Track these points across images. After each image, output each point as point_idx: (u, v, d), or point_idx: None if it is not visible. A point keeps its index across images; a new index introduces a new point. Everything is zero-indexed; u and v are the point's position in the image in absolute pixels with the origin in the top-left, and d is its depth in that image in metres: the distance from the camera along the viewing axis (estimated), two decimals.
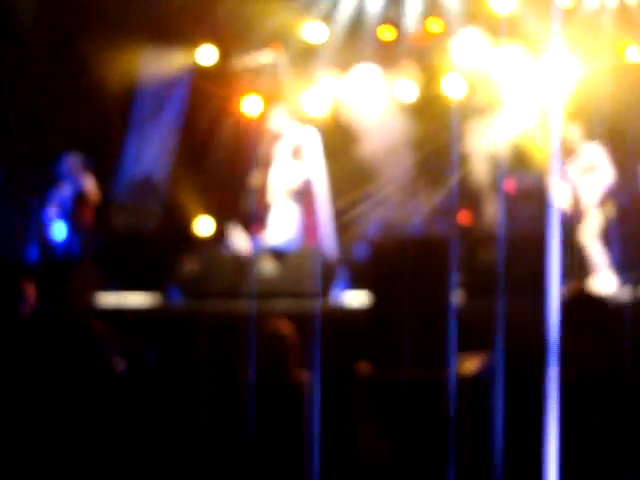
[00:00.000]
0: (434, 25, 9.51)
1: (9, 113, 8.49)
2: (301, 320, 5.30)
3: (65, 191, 7.76)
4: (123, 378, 4.46)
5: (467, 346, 4.09)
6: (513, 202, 8.51)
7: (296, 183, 6.90)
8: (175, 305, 6.34)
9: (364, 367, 3.99)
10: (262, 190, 7.13)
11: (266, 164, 7.12)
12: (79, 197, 7.68)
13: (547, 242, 5.42)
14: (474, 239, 6.03)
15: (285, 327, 3.85)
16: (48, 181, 8.27)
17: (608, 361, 3.36)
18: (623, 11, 8.89)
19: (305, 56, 10.34)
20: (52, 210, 7.72)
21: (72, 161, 7.86)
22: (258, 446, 3.67)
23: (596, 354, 3.39)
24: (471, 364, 3.91)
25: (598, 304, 3.59)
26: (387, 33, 9.80)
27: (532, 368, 3.63)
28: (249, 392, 3.79)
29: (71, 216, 7.63)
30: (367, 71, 9.85)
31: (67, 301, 6.60)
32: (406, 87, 9.75)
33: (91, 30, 8.99)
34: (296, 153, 6.92)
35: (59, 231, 7.67)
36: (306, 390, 3.81)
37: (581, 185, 7.35)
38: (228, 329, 5.43)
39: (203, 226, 10.05)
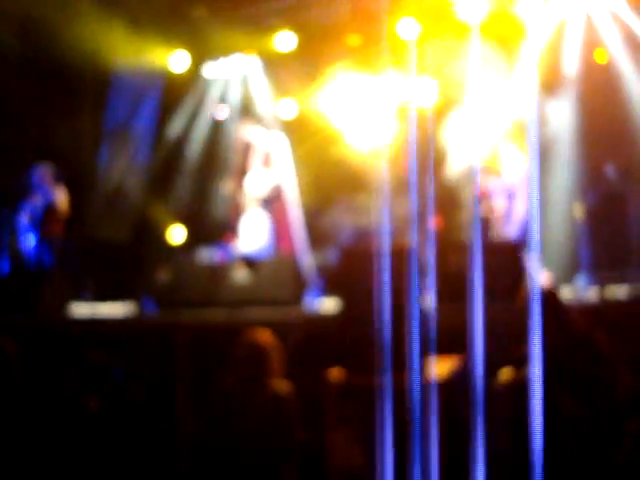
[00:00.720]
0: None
1: None
2: (275, 328, 5.35)
3: (35, 201, 7.70)
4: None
5: (439, 350, 4.15)
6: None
7: (266, 191, 6.93)
8: (149, 315, 6.33)
9: (335, 373, 4.03)
10: (233, 198, 7.15)
11: (237, 172, 7.15)
12: (49, 208, 7.63)
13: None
14: (445, 245, 6.10)
15: (266, 337, 3.88)
16: (18, 191, 8.24)
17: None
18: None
19: (276, 63, 10.41)
20: (22, 220, 7.66)
21: (43, 171, 7.82)
22: (238, 457, 3.69)
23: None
24: (443, 367, 3.97)
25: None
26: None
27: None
28: (228, 402, 3.80)
29: (40, 226, 7.59)
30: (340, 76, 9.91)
31: (37, 311, 6.58)
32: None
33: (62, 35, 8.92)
34: (266, 161, 6.97)
35: (29, 241, 7.62)
36: (287, 400, 3.83)
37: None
38: (204, 339, 5.44)
39: (175, 235, 10.06)
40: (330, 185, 10.02)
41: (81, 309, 7.02)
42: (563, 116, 8.86)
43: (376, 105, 9.85)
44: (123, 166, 10.40)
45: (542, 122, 8.75)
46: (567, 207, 8.35)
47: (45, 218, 7.61)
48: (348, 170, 9.90)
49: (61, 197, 7.79)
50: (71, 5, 8.94)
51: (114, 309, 7.10)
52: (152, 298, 6.37)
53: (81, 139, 10.04)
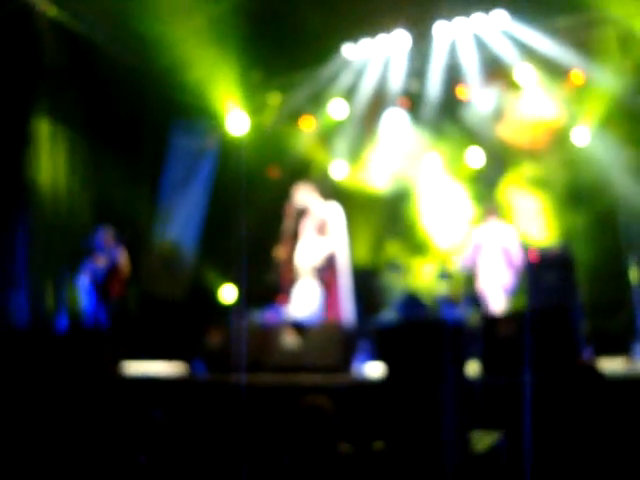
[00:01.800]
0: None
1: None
2: (326, 394, 5.38)
3: (99, 262, 7.97)
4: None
5: (483, 423, 4.13)
6: (536, 271, 8.52)
7: (319, 259, 6.99)
8: (199, 377, 6.41)
9: (377, 445, 4.04)
10: (286, 264, 7.23)
11: (290, 237, 7.23)
12: (112, 269, 7.90)
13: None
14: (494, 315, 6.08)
15: (324, 402, 3.92)
16: (78, 252, 8.50)
17: None
18: None
19: (330, 130, 10.64)
20: (84, 280, 7.90)
21: (106, 234, 8.13)
22: None
23: None
24: (483, 441, 3.94)
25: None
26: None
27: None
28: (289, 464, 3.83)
29: (103, 287, 7.82)
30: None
31: (95, 370, 6.71)
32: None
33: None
34: (321, 228, 7.02)
35: (90, 301, 7.86)
36: (349, 462, 3.85)
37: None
38: (254, 402, 5.49)
39: (228, 295, 10.20)
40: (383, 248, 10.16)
41: (135, 367, 7.13)
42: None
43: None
44: (179, 224, 10.65)
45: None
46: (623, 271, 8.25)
47: (108, 279, 7.87)
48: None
49: (123, 259, 8.09)
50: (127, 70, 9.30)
51: (165, 369, 7.20)
52: (202, 360, 6.45)
53: (139, 201, 10.34)
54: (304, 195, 7.17)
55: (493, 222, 8.47)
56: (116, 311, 7.84)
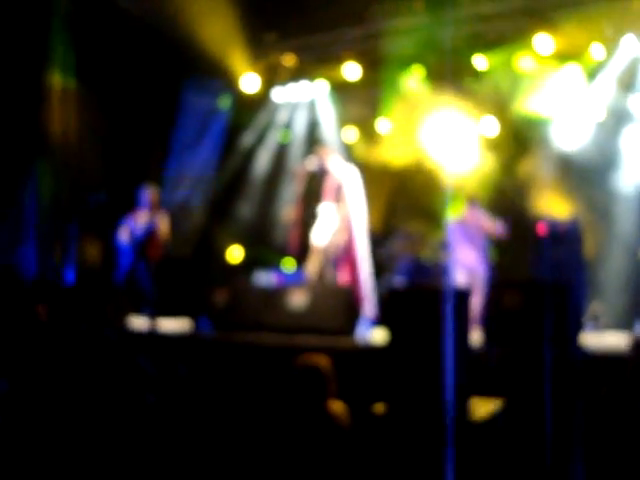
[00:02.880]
0: None
1: None
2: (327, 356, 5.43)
3: (139, 221, 7.75)
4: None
5: (483, 391, 4.17)
6: (544, 246, 8.52)
7: (336, 222, 6.94)
8: (205, 334, 6.48)
9: (379, 408, 4.08)
10: (295, 226, 7.21)
11: (301, 201, 7.20)
12: (152, 231, 7.67)
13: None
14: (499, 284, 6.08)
15: (322, 360, 3.95)
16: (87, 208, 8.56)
17: None
18: None
19: (343, 91, 10.55)
20: (123, 236, 7.71)
21: (150, 194, 7.84)
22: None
23: None
24: (483, 408, 3.98)
25: None
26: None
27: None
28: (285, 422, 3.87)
29: (140, 247, 7.63)
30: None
31: (99, 322, 6.77)
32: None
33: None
34: (338, 192, 6.95)
35: (126, 258, 7.70)
36: (343, 421, 3.89)
37: None
38: (256, 361, 5.54)
39: (235, 256, 10.24)
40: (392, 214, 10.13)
41: (141, 323, 7.21)
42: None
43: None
44: (189, 183, 10.66)
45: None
46: (632, 251, 8.26)
47: (146, 240, 7.64)
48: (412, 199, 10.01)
49: (164, 222, 7.83)
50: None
51: (171, 325, 7.28)
52: (208, 318, 6.51)
53: (150, 155, 10.35)
54: (323, 157, 7.09)
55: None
56: (154, 273, 7.70)
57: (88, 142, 9.13)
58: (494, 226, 7.93)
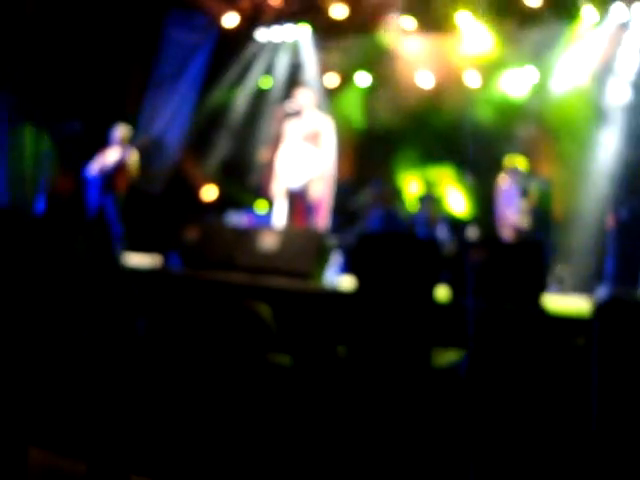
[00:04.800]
0: None
1: None
2: (292, 298, 5.48)
3: (108, 157, 8.04)
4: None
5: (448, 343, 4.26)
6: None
7: (308, 167, 6.94)
8: (174, 271, 6.49)
9: (342, 350, 4.15)
10: (269, 167, 7.22)
11: (276, 141, 7.19)
12: (120, 166, 7.99)
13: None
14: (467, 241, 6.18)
15: (263, 309, 3.91)
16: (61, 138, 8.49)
17: None
18: None
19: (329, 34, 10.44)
20: (93, 170, 7.95)
21: (120, 131, 8.13)
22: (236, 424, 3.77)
23: None
24: (444, 357, 4.08)
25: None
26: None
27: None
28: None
29: (108, 181, 7.93)
30: None
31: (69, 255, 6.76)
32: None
33: None
34: (314, 137, 6.92)
35: (95, 192, 7.95)
36: (285, 372, 3.89)
37: None
38: (223, 299, 5.58)
39: (208, 193, 10.22)
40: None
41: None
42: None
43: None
44: (165, 119, 10.55)
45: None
46: (602, 215, 8.37)
47: (115, 174, 7.94)
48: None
49: (134, 159, 8.13)
50: None
51: (141, 260, 7.27)
52: (178, 255, 6.51)
53: (128, 87, 10.22)
54: (302, 98, 7.06)
55: None
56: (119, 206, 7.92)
57: (64, 66, 9.00)
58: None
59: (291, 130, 7.04)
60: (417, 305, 3.87)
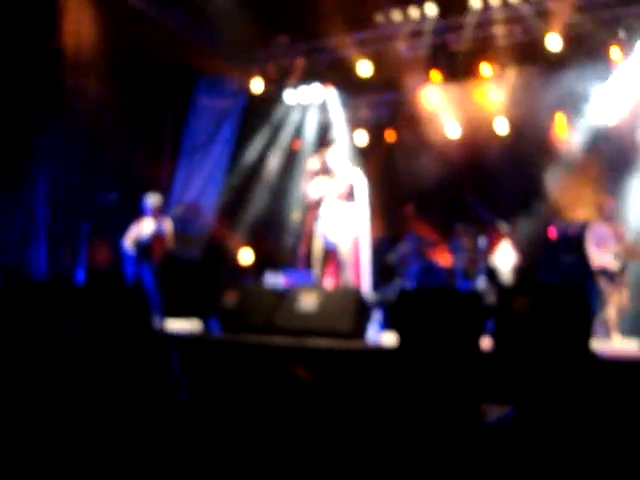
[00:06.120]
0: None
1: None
2: (335, 358, 5.42)
3: (144, 228, 7.99)
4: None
5: (491, 397, 4.16)
6: (555, 249, 8.51)
7: (343, 224, 6.91)
8: (214, 336, 6.48)
9: (389, 412, 4.07)
10: (305, 227, 7.21)
11: (311, 203, 7.18)
12: (157, 237, 7.93)
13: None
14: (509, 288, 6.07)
15: (302, 374, 3.84)
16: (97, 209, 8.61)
17: None
18: None
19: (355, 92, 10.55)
20: (129, 242, 7.95)
21: (154, 200, 8.06)
22: None
23: None
24: (494, 413, 3.97)
25: None
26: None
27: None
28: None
29: (145, 252, 7.89)
30: None
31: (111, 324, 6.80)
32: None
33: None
34: (346, 194, 6.91)
35: (131, 263, 7.94)
36: (329, 434, 3.82)
37: None
38: (266, 363, 5.54)
39: (244, 257, 10.26)
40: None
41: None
42: None
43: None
44: (199, 185, 10.68)
45: None
46: None
47: (151, 245, 7.89)
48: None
49: (169, 228, 8.05)
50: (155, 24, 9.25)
51: (181, 326, 7.27)
52: (218, 319, 6.50)
53: (160, 157, 10.38)
54: (331, 157, 7.07)
55: None
56: (158, 276, 7.89)
57: (100, 139, 9.16)
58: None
59: (324, 189, 7.05)
60: (463, 360, 3.79)
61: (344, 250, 6.85)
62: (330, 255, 6.96)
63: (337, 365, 5.28)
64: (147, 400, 4.61)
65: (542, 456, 3.69)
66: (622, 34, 8.54)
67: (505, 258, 8.94)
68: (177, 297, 8.09)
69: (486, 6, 8.99)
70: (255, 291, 6.86)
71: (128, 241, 7.97)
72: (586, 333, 5.30)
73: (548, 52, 8.99)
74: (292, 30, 9.99)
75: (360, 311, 5.87)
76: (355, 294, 6.03)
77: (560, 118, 9.23)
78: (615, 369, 4.80)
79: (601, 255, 7.63)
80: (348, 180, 6.97)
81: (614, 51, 8.73)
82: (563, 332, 4.81)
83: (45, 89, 8.46)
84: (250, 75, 10.60)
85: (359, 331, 5.78)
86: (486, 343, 5.30)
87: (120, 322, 5.68)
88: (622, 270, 7.56)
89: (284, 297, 6.28)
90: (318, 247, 7.02)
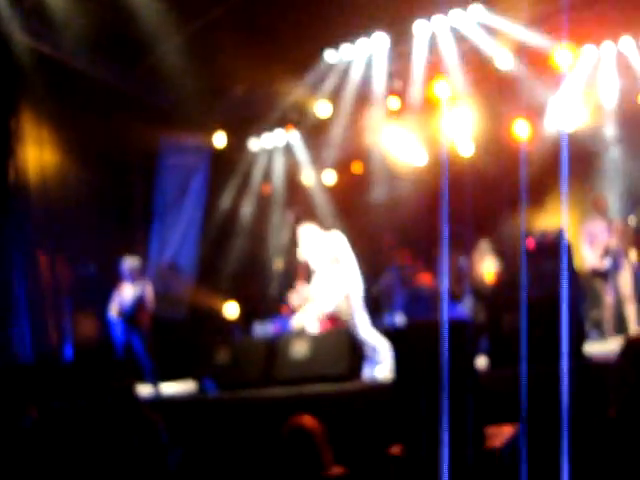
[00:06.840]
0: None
1: None
2: (334, 402, 5.38)
3: (125, 294, 7.92)
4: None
5: (493, 417, 4.14)
6: (534, 259, 8.53)
7: (336, 287, 6.65)
8: (210, 396, 6.43)
9: (395, 450, 4.05)
10: (286, 274, 7.14)
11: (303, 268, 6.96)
12: (139, 302, 7.84)
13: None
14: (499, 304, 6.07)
15: (310, 422, 3.79)
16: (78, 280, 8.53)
17: None
18: None
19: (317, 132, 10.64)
20: (114, 311, 7.88)
21: (132, 265, 7.99)
22: None
23: None
24: (499, 436, 3.95)
25: None
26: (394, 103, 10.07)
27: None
28: None
29: (131, 319, 7.80)
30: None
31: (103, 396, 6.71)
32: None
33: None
34: (334, 260, 6.65)
35: (119, 332, 7.85)
36: None
37: None
38: (263, 417, 5.49)
39: (230, 311, 10.20)
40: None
41: (145, 390, 7.14)
42: None
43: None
44: (175, 244, 10.65)
45: None
46: None
47: (136, 312, 7.81)
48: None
49: (149, 290, 7.98)
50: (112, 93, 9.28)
51: (175, 389, 7.22)
52: (212, 378, 6.46)
53: (133, 221, 10.36)
54: (309, 236, 6.86)
55: None
56: (147, 341, 7.80)
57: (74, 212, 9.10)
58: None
59: (313, 256, 6.84)
60: (461, 388, 3.78)
61: (344, 311, 6.67)
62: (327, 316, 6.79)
63: (339, 408, 5.25)
64: (138, 472, 4.56)
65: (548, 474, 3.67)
66: (567, 43, 8.72)
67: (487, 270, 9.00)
68: (168, 360, 8.02)
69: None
70: (246, 345, 6.84)
71: (112, 311, 7.90)
72: (579, 338, 5.33)
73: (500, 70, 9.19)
74: (247, 79, 10.06)
75: (353, 351, 5.87)
76: (345, 335, 6.01)
77: (520, 125, 9.34)
78: (608, 371, 4.81)
79: (593, 256, 7.76)
80: (331, 246, 6.75)
81: (562, 60, 8.91)
82: (555, 342, 4.82)
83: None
84: (212, 129, 10.65)
85: (354, 371, 5.77)
86: (481, 362, 5.31)
87: (108, 397, 5.64)
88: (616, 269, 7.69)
89: (275, 346, 6.25)
90: (316, 314, 6.77)
